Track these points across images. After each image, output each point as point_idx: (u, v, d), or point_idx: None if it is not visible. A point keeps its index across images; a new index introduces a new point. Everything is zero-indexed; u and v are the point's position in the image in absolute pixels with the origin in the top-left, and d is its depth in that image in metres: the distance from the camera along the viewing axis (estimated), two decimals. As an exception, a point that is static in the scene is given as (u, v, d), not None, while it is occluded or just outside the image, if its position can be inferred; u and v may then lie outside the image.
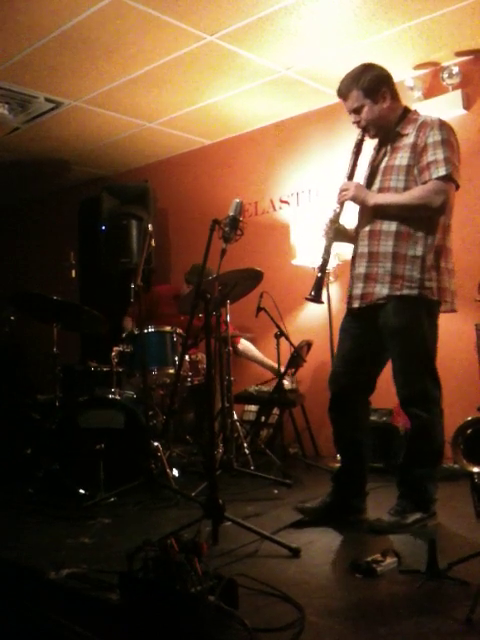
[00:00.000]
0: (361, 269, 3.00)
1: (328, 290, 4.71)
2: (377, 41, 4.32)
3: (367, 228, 3.01)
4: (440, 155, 2.83)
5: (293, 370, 4.85)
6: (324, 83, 4.91)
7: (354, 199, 3.00)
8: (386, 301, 2.91)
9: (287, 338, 4.48)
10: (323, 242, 3.10)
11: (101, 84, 4.82)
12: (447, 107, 4.54)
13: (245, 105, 5.25)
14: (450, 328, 4.54)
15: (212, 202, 5.82)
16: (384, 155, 3.04)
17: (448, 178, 2.84)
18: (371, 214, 2.98)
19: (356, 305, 3.00)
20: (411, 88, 4.66)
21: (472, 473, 3.73)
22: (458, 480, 3.78)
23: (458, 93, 4.51)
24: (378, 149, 3.12)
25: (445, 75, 4.54)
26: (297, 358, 4.65)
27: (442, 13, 3.99)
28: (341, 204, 3.06)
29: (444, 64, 4.62)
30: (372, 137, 3.09)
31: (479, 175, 4.46)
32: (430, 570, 2.16)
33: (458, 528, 2.86)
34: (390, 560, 2.31)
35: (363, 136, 3.06)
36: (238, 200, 3.11)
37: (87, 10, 3.84)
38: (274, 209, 5.63)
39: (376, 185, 3.01)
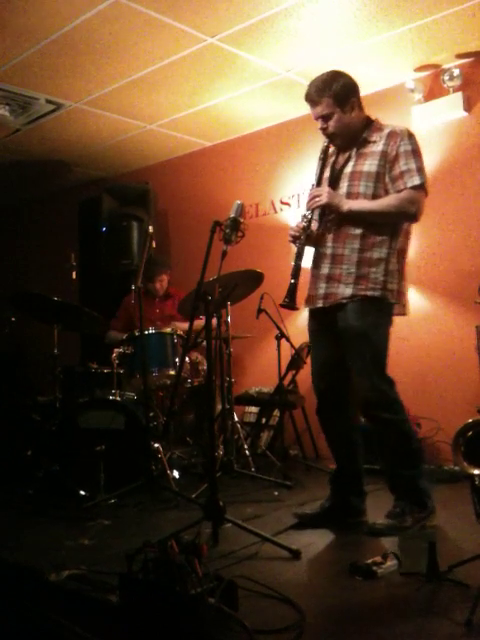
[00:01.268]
0: (325, 270, 3.02)
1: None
2: (377, 43, 4.32)
3: (332, 230, 3.02)
4: (413, 165, 2.90)
5: (294, 372, 4.86)
6: (325, 85, 4.90)
7: (328, 205, 2.99)
8: (348, 301, 2.93)
9: (288, 340, 4.48)
10: (294, 248, 3.09)
11: (102, 86, 4.83)
12: (448, 109, 4.55)
13: (245, 107, 5.26)
14: (451, 330, 4.55)
15: (213, 204, 5.83)
16: (348, 160, 3.05)
17: (421, 187, 2.91)
18: (337, 216, 3.00)
19: (320, 305, 3.02)
20: (411, 90, 4.66)
21: (472, 475, 3.73)
22: (458, 482, 3.78)
23: (459, 95, 4.51)
24: (338, 154, 3.13)
25: (446, 77, 4.54)
26: (298, 360, 4.65)
27: (443, 15, 4.00)
28: (313, 210, 3.06)
29: (445, 66, 4.62)
30: (337, 145, 3.11)
31: (479, 177, 4.46)
32: (430, 572, 2.16)
33: (458, 530, 2.86)
34: (390, 562, 2.31)
35: (329, 144, 3.09)
36: (239, 202, 3.10)
37: (87, 12, 3.85)
38: (275, 211, 5.63)
39: (342, 189, 3.02)
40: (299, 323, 5.30)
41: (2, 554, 2.67)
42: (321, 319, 3.07)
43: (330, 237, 3.02)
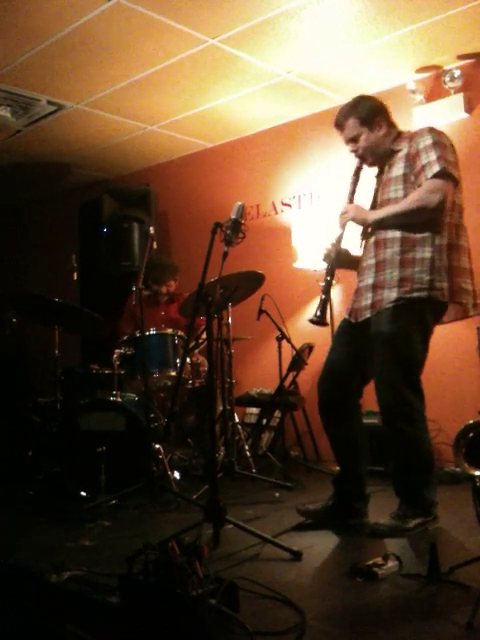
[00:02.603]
0: (369, 280, 2.98)
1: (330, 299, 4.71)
2: (379, 45, 4.32)
3: (372, 239, 3.02)
4: (433, 156, 2.84)
5: (294, 373, 4.85)
6: (325, 86, 4.91)
7: (354, 219, 3.02)
8: (394, 304, 2.86)
9: (289, 341, 4.48)
10: (325, 265, 3.10)
11: (103, 87, 4.83)
12: (449, 111, 4.55)
13: (246, 108, 5.26)
14: (452, 331, 4.53)
15: (214, 205, 5.83)
16: (382, 174, 3.07)
17: (443, 174, 2.82)
18: (375, 227, 3.00)
19: (368, 315, 2.96)
20: (413, 92, 4.66)
21: (473, 476, 3.72)
22: (459, 484, 3.78)
23: (460, 97, 4.51)
24: (378, 175, 3.14)
25: (447, 79, 4.54)
26: (299, 361, 4.65)
27: (444, 16, 4.00)
28: (343, 226, 3.07)
29: (446, 67, 4.62)
30: (370, 165, 3.12)
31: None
32: (431, 574, 2.16)
33: (459, 532, 2.85)
34: (391, 564, 2.30)
35: (361, 164, 3.10)
36: (240, 203, 3.10)
37: (89, 13, 3.85)
38: (276, 212, 5.63)
39: (378, 200, 3.04)
40: (300, 325, 5.30)
41: (2, 555, 2.67)
42: (355, 327, 3.03)
43: (371, 246, 3.01)
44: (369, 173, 3.17)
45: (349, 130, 3.03)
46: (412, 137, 2.95)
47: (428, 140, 2.88)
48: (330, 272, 3.06)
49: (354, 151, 3.08)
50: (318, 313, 3.02)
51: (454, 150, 2.94)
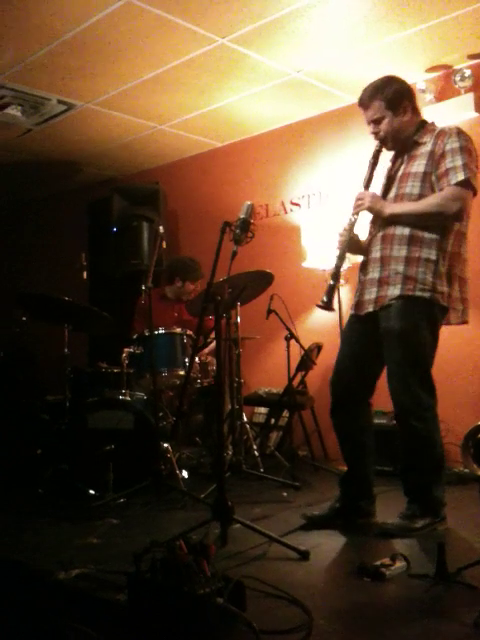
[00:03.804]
0: (375, 274, 2.97)
1: (338, 293, 4.70)
2: (388, 43, 4.31)
3: (380, 233, 3.00)
4: (459, 161, 2.83)
5: (303, 373, 4.85)
6: (334, 85, 4.91)
7: (370, 209, 2.98)
8: (395, 301, 2.88)
9: (297, 341, 4.47)
10: (337, 250, 3.07)
11: (113, 86, 4.85)
12: (459, 110, 4.53)
13: (256, 107, 5.26)
14: (459, 334, 4.52)
15: (223, 204, 5.83)
16: (401, 164, 3.03)
17: (466, 183, 2.82)
18: (384, 220, 2.98)
19: (370, 309, 2.97)
20: (423, 91, 4.64)
21: (482, 477, 3.72)
22: (467, 484, 3.77)
23: (470, 96, 4.49)
24: (394, 160, 3.11)
25: (457, 78, 4.52)
26: (307, 361, 4.65)
27: (454, 16, 3.98)
28: (357, 213, 3.04)
29: (456, 67, 4.60)
30: (389, 149, 3.08)
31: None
32: (439, 574, 2.15)
33: (468, 532, 2.84)
34: (399, 564, 2.30)
35: (381, 147, 3.05)
36: (249, 202, 3.10)
37: (99, 13, 3.86)
38: (285, 211, 5.63)
39: (392, 193, 3.00)
40: (308, 324, 5.30)
41: (10, 552, 2.68)
42: (362, 321, 3.03)
43: (378, 240, 3.00)
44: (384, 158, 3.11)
45: (373, 111, 2.97)
46: (439, 135, 2.91)
47: (455, 143, 2.86)
48: (341, 258, 3.04)
49: (375, 133, 3.02)
50: (325, 298, 3.00)
51: (477, 156, 2.93)
